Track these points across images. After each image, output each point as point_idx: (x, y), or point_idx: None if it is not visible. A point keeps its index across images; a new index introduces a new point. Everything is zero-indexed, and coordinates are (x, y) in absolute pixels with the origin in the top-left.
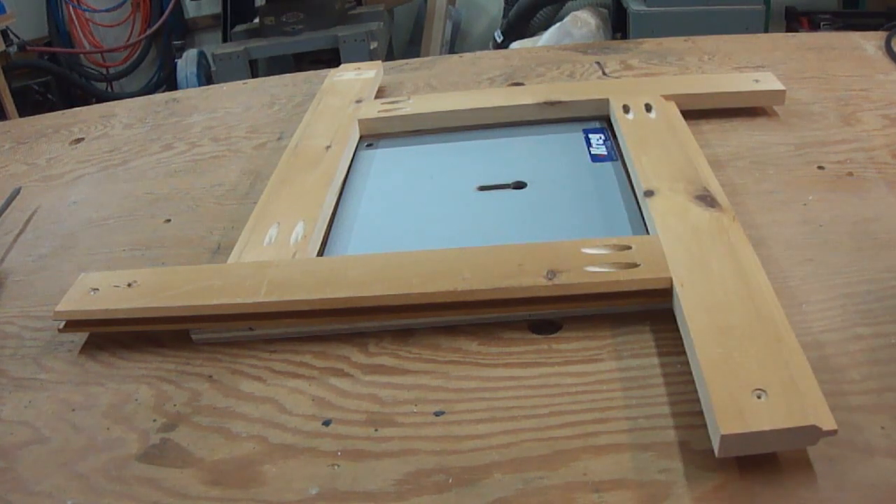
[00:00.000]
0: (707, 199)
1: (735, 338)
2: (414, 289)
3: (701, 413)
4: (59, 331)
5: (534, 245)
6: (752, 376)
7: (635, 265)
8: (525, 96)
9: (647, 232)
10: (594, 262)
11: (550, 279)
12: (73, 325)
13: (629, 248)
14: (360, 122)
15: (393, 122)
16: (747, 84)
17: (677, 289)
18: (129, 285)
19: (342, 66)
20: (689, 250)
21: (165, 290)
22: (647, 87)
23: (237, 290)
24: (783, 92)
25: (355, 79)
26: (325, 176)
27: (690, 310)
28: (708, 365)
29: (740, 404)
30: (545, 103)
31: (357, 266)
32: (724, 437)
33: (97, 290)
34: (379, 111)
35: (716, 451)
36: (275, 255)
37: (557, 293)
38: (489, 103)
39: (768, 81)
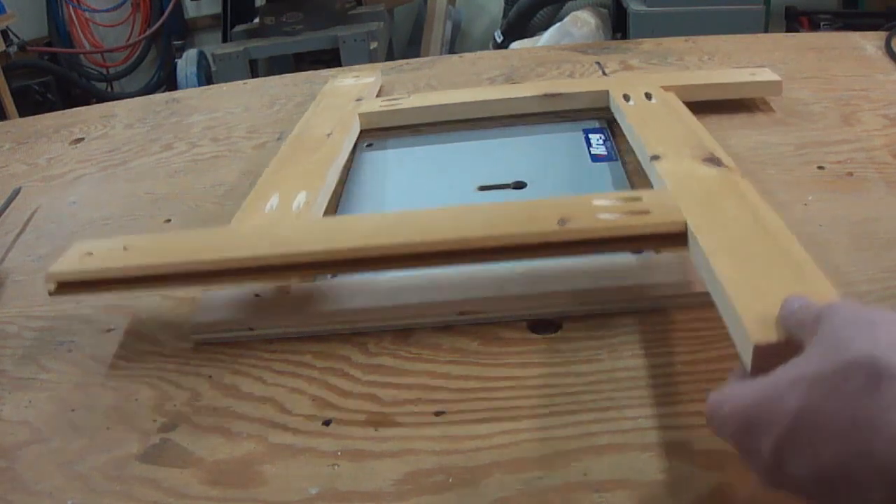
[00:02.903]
0: (714, 161)
1: (757, 266)
2: (425, 237)
3: (700, 413)
4: (51, 294)
5: (544, 200)
6: (778, 294)
7: (647, 212)
8: (524, 90)
9: None
10: (605, 211)
11: (562, 225)
12: (66, 287)
13: (639, 199)
14: (361, 115)
15: (393, 115)
16: (744, 76)
17: (692, 230)
18: (125, 248)
19: (339, 70)
20: (701, 200)
21: (163, 251)
22: (645, 80)
23: (241, 247)
24: (780, 83)
25: (355, 84)
26: (326, 157)
27: (709, 246)
28: (732, 286)
29: (768, 317)
30: (544, 95)
31: (366, 221)
32: (756, 348)
33: (91, 254)
34: (380, 106)
35: (748, 367)
36: (277, 220)
37: (570, 238)
38: (488, 97)
39: (765, 74)
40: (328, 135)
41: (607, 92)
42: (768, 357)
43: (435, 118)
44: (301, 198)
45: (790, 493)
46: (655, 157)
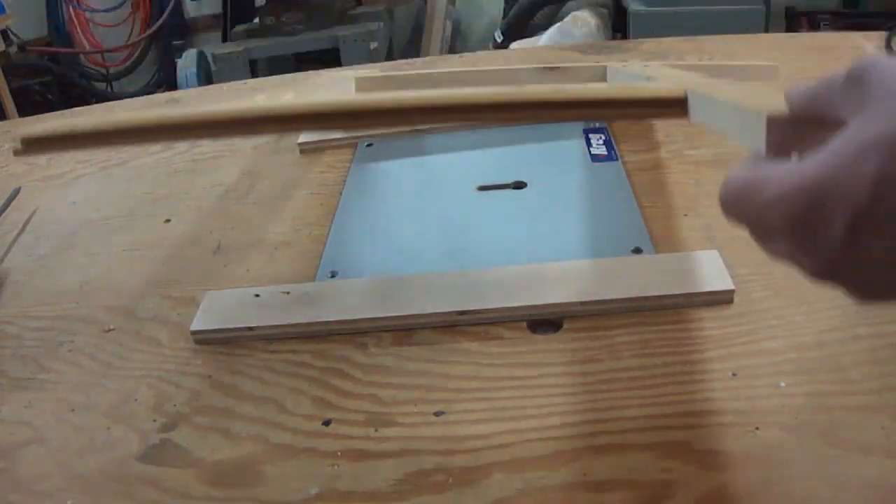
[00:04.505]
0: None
1: (759, 96)
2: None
3: (701, 413)
4: (15, 153)
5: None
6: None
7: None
8: (521, 63)
9: (650, 239)
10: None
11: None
12: (31, 143)
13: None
14: (357, 79)
15: (388, 81)
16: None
17: (692, 91)
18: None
19: (339, 70)
20: (699, 82)
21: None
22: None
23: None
24: (776, 67)
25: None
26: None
27: (707, 90)
28: (733, 96)
29: (776, 103)
30: (544, 68)
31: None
32: (770, 119)
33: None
34: (376, 73)
35: (762, 148)
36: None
37: (574, 97)
38: (487, 68)
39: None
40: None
41: (605, 67)
42: (783, 133)
43: (430, 85)
44: (288, 96)
45: (851, 277)
46: (650, 77)
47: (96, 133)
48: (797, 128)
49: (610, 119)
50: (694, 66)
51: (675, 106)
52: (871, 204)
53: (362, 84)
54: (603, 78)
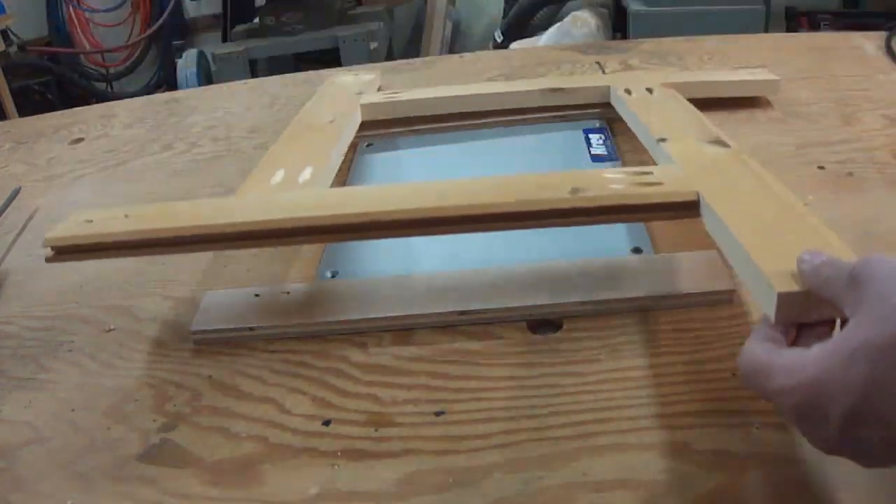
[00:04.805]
0: (720, 143)
1: (772, 227)
2: (438, 203)
3: (701, 413)
4: (48, 260)
5: (554, 172)
6: (796, 250)
7: (659, 184)
8: (525, 85)
9: (650, 239)
10: (617, 183)
11: (574, 194)
12: (65, 251)
13: (650, 173)
14: (363, 106)
15: (394, 106)
16: (742, 76)
17: (705, 198)
18: (126, 216)
19: (339, 70)
20: (711, 172)
21: (165, 218)
22: (646, 78)
23: (248, 212)
24: (777, 82)
25: (355, 80)
26: (330, 138)
27: (723, 211)
28: (750, 244)
29: (789, 269)
30: (547, 90)
31: (376, 191)
32: (780, 296)
33: (91, 221)
34: (381, 97)
35: (773, 318)
36: (283, 190)
37: (582, 205)
38: (491, 90)
39: (763, 74)
40: (331, 121)
41: (608, 87)
42: (792, 307)
43: (435, 111)
44: (307, 172)
45: (852, 457)
46: (662, 140)
47: (127, 243)
48: (805, 304)
49: (625, 221)
50: (696, 84)
51: (688, 208)
52: (860, 403)
53: (367, 111)
54: (606, 98)
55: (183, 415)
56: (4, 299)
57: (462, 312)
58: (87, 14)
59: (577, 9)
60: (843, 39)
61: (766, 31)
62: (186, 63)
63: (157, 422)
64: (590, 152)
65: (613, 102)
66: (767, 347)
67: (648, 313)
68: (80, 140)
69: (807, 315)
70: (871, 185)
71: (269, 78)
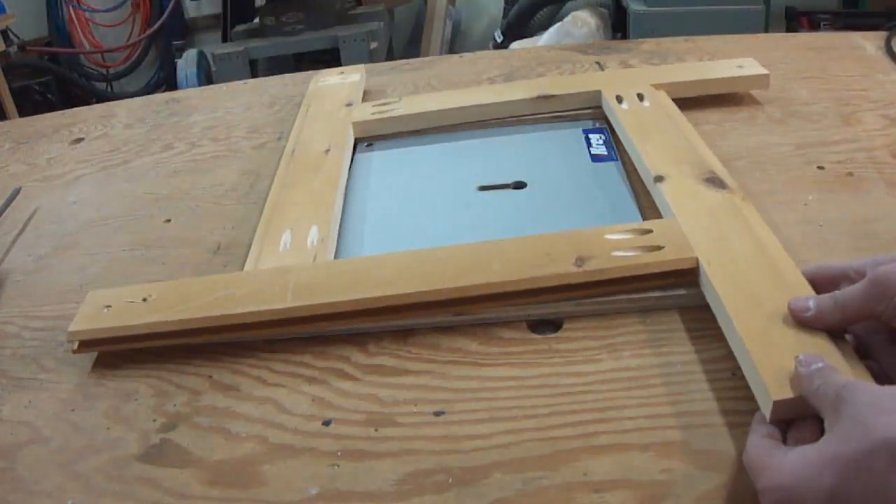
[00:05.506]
0: (716, 181)
1: (768, 311)
2: (446, 283)
3: (701, 413)
4: (74, 352)
5: (558, 234)
6: (791, 346)
7: (660, 247)
8: (517, 91)
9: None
10: (619, 247)
11: (580, 266)
12: (87, 345)
13: (650, 231)
14: (355, 124)
15: (386, 123)
16: (731, 70)
17: (704, 267)
18: (144, 300)
19: (327, 71)
20: (708, 230)
21: (183, 303)
22: (635, 77)
23: (261, 298)
24: (767, 76)
25: (341, 84)
26: (330, 179)
27: (722, 287)
28: (750, 339)
29: (785, 370)
30: (538, 97)
31: (382, 265)
32: (775, 403)
33: (110, 306)
34: (371, 113)
35: (768, 417)
36: (294, 260)
37: (588, 279)
38: (481, 100)
39: (751, 66)
40: (326, 151)
41: (599, 92)
42: (785, 408)
43: (427, 124)
44: (314, 234)
45: None
46: (659, 179)
47: (149, 336)
48: (797, 405)
49: (628, 293)
50: (687, 84)
51: (687, 276)
52: None
53: (359, 128)
54: (597, 103)
55: (183, 415)
56: (4, 299)
57: (462, 312)
58: (87, 14)
59: (577, 9)
60: (842, 39)
61: (766, 31)
62: (186, 63)
63: (156, 422)
64: (590, 152)
65: (605, 111)
66: (763, 444)
67: (648, 313)
68: (80, 140)
69: (797, 412)
70: (871, 185)
71: (269, 78)
